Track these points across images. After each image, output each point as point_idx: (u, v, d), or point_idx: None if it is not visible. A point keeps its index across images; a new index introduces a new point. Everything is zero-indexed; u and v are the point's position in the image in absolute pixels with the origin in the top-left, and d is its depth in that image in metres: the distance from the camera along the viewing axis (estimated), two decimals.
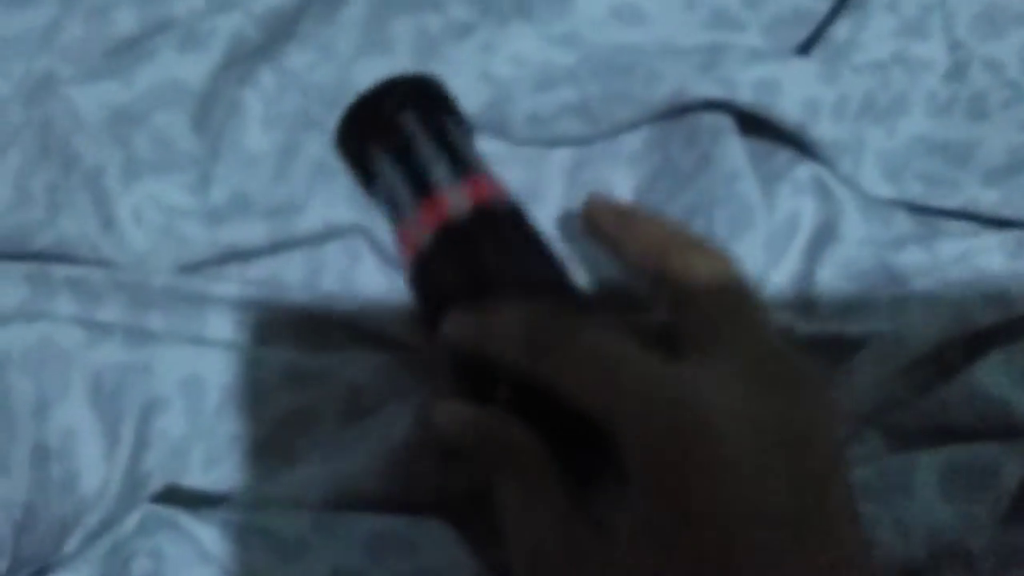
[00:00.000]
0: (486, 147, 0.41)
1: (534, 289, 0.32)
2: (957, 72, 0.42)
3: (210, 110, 0.38)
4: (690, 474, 0.23)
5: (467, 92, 0.41)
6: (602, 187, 0.41)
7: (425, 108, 0.36)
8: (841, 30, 0.42)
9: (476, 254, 0.33)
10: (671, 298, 0.29)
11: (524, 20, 0.42)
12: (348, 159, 0.37)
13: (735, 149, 0.38)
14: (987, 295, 0.38)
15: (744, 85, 0.39)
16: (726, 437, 0.24)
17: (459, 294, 0.32)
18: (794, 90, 0.39)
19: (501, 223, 0.34)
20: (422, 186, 0.34)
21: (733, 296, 0.28)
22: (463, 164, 0.35)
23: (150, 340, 0.36)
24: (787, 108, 0.39)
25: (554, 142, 0.41)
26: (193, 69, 0.38)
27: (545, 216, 0.41)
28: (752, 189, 0.37)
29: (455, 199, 0.33)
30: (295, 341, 0.35)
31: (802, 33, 0.44)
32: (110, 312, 0.35)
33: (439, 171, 0.34)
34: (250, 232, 0.36)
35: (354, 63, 0.41)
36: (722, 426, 0.24)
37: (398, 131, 0.35)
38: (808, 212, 0.39)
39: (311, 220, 0.36)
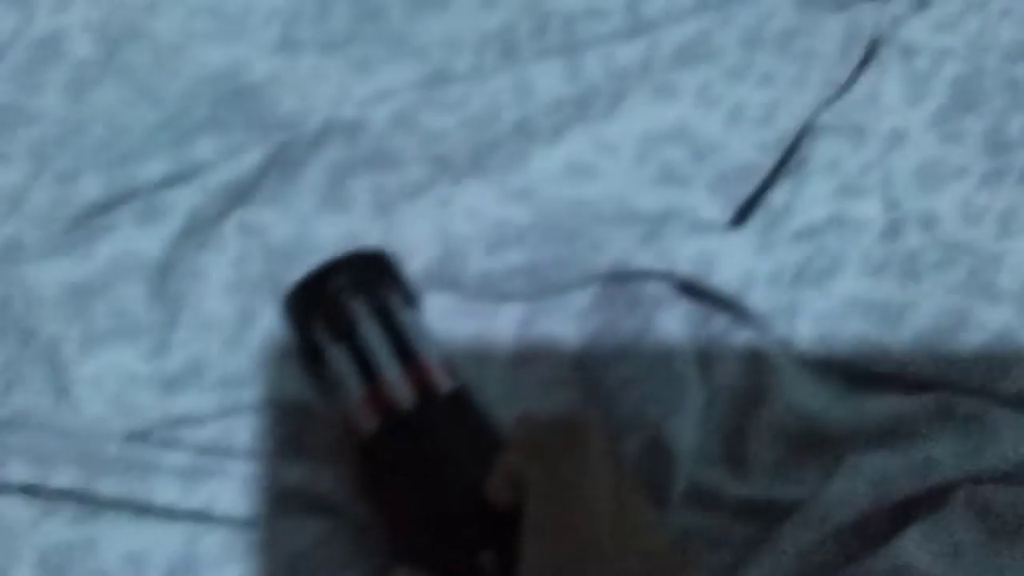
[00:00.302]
0: (438, 301, 0.43)
1: (476, 473, 0.34)
2: (892, 231, 0.44)
3: (169, 278, 0.40)
4: None
5: (421, 247, 0.43)
6: (550, 342, 0.43)
7: (371, 289, 0.37)
8: (780, 194, 0.44)
9: (419, 441, 0.35)
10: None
11: (480, 176, 0.44)
12: (294, 335, 0.38)
13: (674, 320, 0.40)
14: (911, 464, 0.39)
15: (683, 259, 0.41)
16: None
17: (403, 479, 0.34)
18: (730, 262, 0.41)
19: (444, 409, 0.36)
20: (367, 371, 0.36)
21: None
22: (407, 349, 0.36)
23: (97, 513, 0.37)
24: (724, 279, 0.41)
25: (504, 298, 0.43)
26: (152, 241, 0.40)
27: (495, 368, 0.43)
28: (687, 365, 0.39)
29: (399, 386, 0.35)
30: (241, 508, 0.37)
31: (746, 189, 0.46)
32: (62, 479, 0.37)
33: (383, 356, 0.36)
34: (201, 402, 0.38)
35: (314, 220, 0.43)
36: None
37: (344, 314, 0.37)
38: (739, 377, 0.41)
39: (261, 393, 0.38)
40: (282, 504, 0.38)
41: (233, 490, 0.38)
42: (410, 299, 0.39)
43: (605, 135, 0.45)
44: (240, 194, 0.42)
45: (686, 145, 0.46)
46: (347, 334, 0.36)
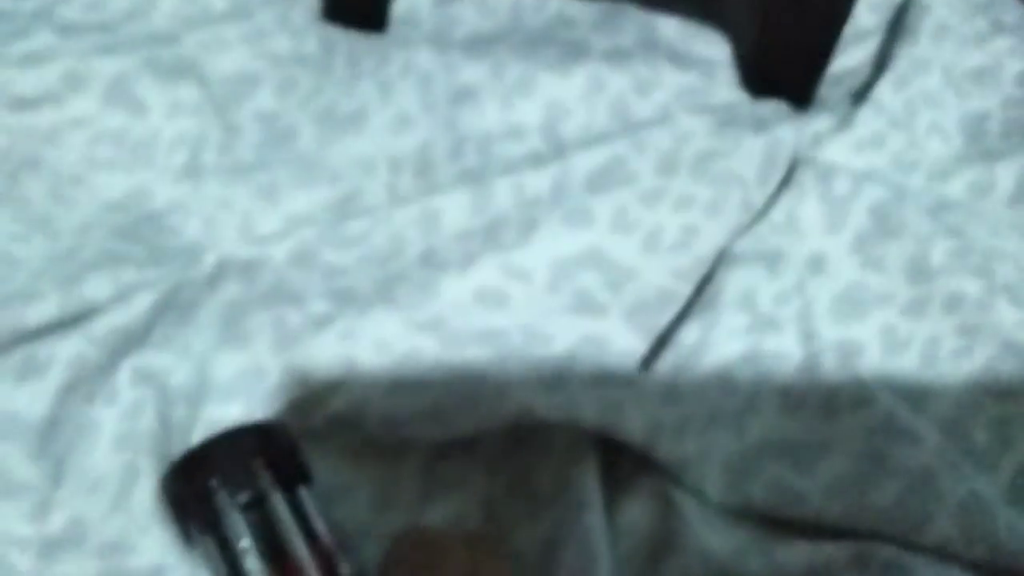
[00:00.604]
0: (342, 440, 0.42)
1: None
2: (809, 366, 0.43)
3: (53, 435, 0.39)
4: None
5: (326, 388, 0.41)
6: (456, 490, 0.41)
7: (246, 477, 0.35)
8: (693, 330, 0.42)
9: None
10: None
11: (387, 306, 0.43)
12: (181, 503, 0.37)
13: (588, 474, 0.39)
14: None
15: (588, 407, 0.39)
16: None
17: None
18: (636, 412, 0.39)
19: None
20: (277, 554, 0.34)
21: None
22: (314, 537, 0.35)
23: None
24: (631, 429, 0.39)
25: (408, 442, 0.41)
26: (31, 399, 0.39)
27: (399, 510, 0.41)
28: (598, 523, 0.38)
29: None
30: None
31: (662, 318, 0.44)
32: None
33: (296, 542, 0.34)
34: (80, 569, 0.36)
35: (213, 358, 0.42)
36: None
37: (251, 489, 0.35)
38: (648, 524, 0.39)
39: (143, 561, 0.37)
40: None
41: None
42: (304, 476, 0.37)
43: (516, 262, 0.44)
44: (132, 339, 0.41)
45: (600, 271, 0.45)
46: (254, 510, 0.34)
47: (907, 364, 0.43)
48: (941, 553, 0.39)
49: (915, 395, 0.42)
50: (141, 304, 0.41)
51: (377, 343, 0.42)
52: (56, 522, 0.38)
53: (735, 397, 0.41)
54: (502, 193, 0.45)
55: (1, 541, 0.37)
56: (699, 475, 0.40)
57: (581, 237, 0.45)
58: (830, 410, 0.42)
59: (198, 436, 0.40)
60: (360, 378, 0.42)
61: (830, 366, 0.43)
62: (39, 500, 0.38)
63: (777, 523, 0.40)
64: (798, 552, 0.39)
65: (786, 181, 0.46)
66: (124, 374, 0.40)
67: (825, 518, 0.40)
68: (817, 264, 0.45)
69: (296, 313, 0.43)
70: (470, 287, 0.44)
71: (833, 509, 0.40)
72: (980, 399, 0.42)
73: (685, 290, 0.45)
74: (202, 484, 0.35)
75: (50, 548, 0.37)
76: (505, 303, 0.44)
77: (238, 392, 0.41)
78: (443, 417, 0.41)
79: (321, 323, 0.43)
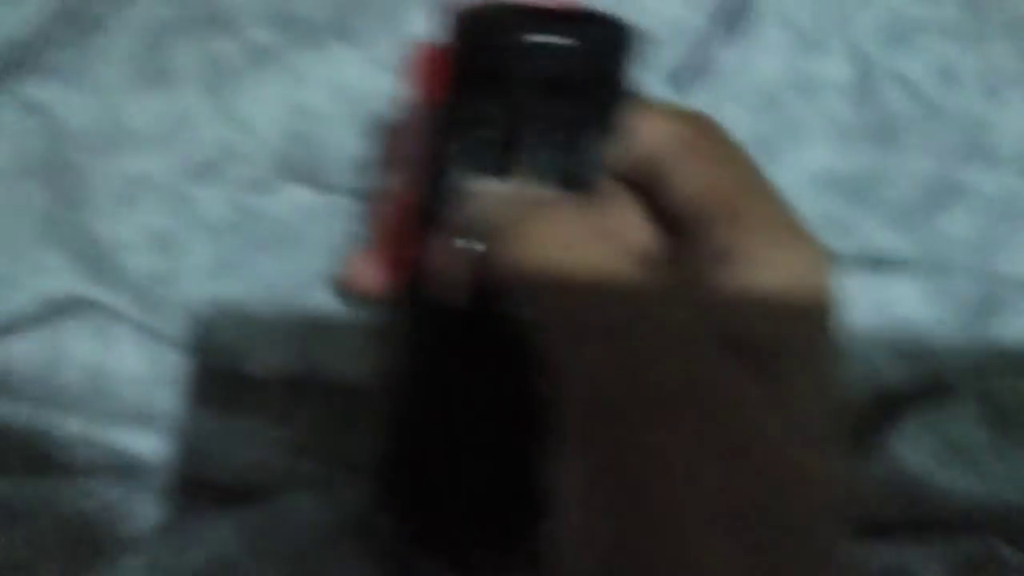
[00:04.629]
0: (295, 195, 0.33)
1: None
2: (863, 90, 0.36)
3: None
4: None
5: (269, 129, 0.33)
6: None
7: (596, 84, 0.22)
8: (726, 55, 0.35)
9: None
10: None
11: (343, 42, 0.35)
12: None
13: None
14: (900, 350, 0.32)
15: None
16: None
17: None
18: None
19: None
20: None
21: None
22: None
23: None
24: None
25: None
26: None
27: None
28: None
29: None
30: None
31: (676, 52, 0.37)
32: None
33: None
34: None
35: (123, 98, 0.33)
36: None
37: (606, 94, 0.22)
38: None
39: (24, 297, 0.28)
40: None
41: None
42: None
43: None
44: (16, 62, 0.32)
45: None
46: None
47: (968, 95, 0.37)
48: None
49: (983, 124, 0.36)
50: (27, 14, 0.32)
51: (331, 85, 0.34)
52: None
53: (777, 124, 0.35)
54: None
55: None
56: None
57: None
58: (889, 135, 0.35)
59: (111, 195, 0.31)
60: (315, 119, 0.33)
61: (886, 90, 0.36)
62: None
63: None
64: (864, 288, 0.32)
65: None
66: (6, 103, 0.31)
67: (885, 252, 0.33)
68: None
69: (230, 43, 0.34)
70: None
71: (893, 239, 0.33)
72: None
73: (699, 20, 0.38)
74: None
75: None
76: None
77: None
78: None
79: (262, 57, 0.34)
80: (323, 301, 0.30)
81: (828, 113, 0.35)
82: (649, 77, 0.36)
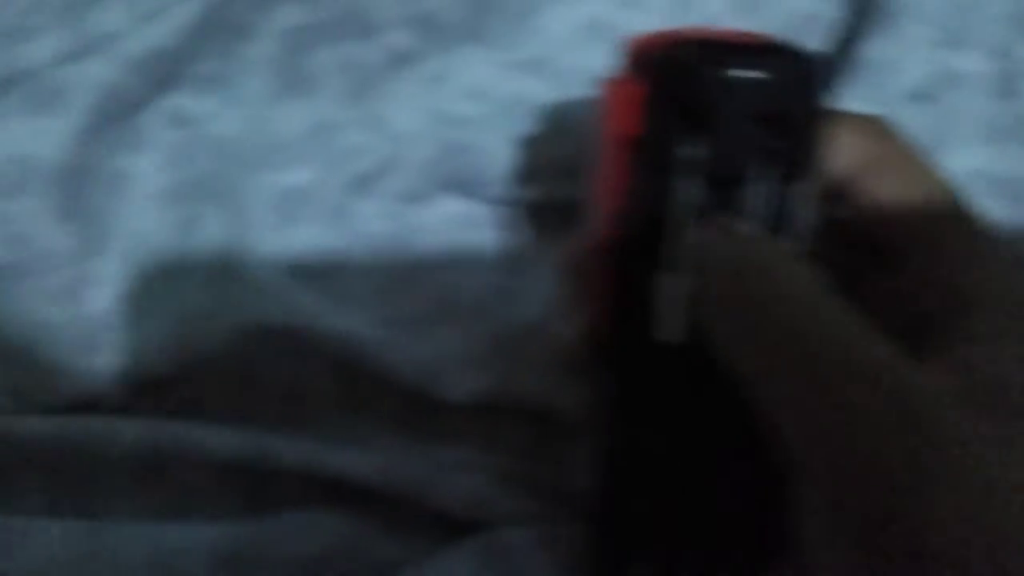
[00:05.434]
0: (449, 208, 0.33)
1: None
2: (1007, 87, 0.35)
3: (80, 189, 0.29)
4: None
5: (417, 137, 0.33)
6: None
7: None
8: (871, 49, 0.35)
9: None
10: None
11: (477, 44, 0.34)
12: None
13: None
14: None
15: None
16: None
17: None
18: None
19: None
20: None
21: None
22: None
23: None
24: None
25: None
26: (48, 137, 0.29)
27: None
28: None
29: None
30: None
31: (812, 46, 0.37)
32: None
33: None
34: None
35: (270, 108, 0.32)
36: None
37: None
38: None
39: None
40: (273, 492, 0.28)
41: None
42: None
43: None
44: (164, 73, 0.31)
45: None
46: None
47: None
48: None
49: None
50: (170, 27, 0.31)
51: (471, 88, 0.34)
52: (99, 300, 0.29)
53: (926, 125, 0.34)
54: None
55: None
56: None
57: None
58: None
59: (261, 209, 0.31)
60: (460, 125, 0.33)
61: None
62: (76, 274, 0.29)
63: None
64: None
65: None
66: (158, 118, 0.31)
67: None
68: None
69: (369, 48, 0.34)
70: (580, 17, 0.35)
71: None
72: None
73: (830, 11, 0.37)
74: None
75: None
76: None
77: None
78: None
79: (401, 61, 0.34)
80: (513, 315, 0.30)
81: (974, 111, 0.34)
82: None
